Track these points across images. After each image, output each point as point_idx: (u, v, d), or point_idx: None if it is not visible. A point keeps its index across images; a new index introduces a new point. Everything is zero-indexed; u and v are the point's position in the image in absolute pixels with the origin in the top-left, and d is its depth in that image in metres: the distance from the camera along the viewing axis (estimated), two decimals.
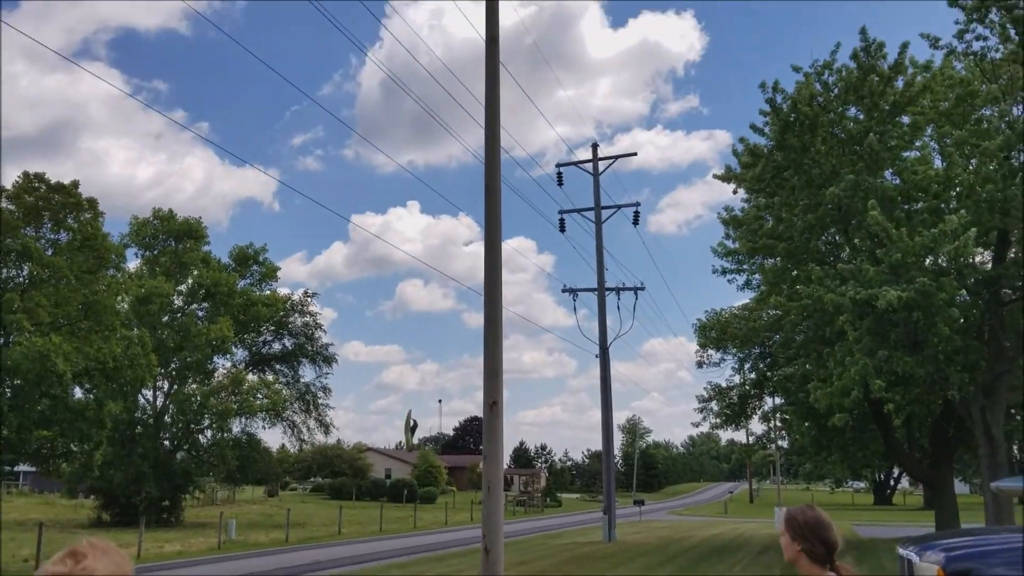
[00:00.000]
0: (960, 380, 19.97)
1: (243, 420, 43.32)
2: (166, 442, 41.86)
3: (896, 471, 71.14)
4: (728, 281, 30.06)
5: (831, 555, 3.46)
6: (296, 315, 51.89)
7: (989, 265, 22.33)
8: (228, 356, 46.21)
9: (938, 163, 21.77)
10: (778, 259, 24.68)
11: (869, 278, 19.14)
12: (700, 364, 32.52)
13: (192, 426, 41.51)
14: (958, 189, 20.30)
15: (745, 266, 28.43)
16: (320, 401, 54.43)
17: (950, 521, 25.22)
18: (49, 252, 21.93)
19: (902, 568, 9.26)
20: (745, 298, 39.54)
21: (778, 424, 37.90)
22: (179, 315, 42.53)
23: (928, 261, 19.76)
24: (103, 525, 37.10)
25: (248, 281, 48.17)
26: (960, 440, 27.00)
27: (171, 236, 43.36)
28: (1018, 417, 26.57)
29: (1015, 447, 27.96)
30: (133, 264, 41.90)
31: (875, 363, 19.93)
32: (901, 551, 9.38)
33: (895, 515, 52.89)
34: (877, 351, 20.05)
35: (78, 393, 22.94)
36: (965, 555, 8.58)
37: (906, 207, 20.80)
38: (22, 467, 36.55)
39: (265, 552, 25.96)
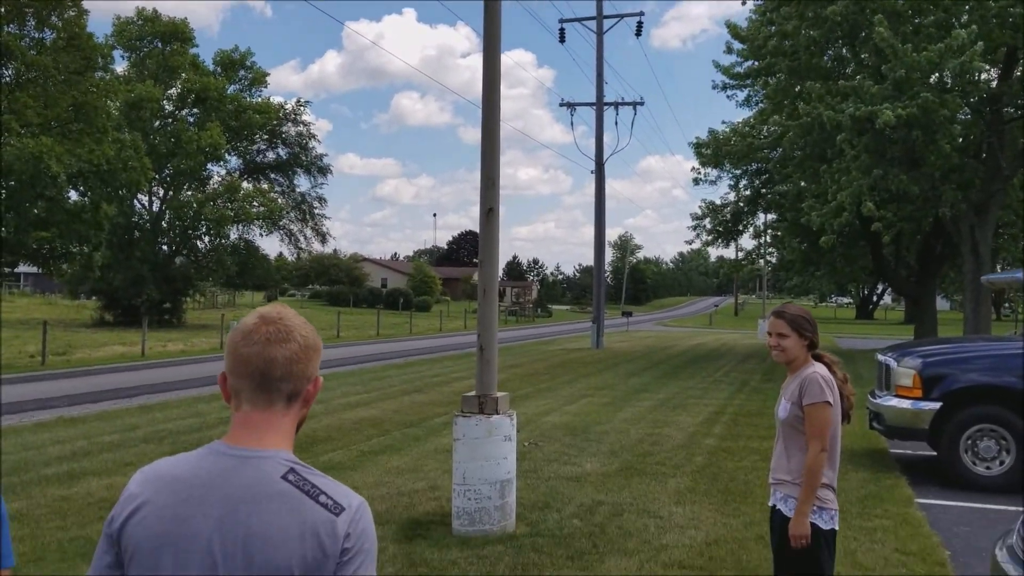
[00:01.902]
0: (954, 198, 20.08)
1: (240, 227, 43.67)
2: (164, 247, 42.35)
3: (880, 287, 72.73)
4: (728, 97, 29.52)
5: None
6: (289, 124, 51.10)
7: (995, 84, 21.89)
8: (222, 164, 45.95)
9: None
10: (781, 76, 24.13)
11: (871, 95, 18.82)
12: (696, 181, 32.40)
13: (190, 232, 41.83)
14: (969, 3, 19.59)
15: (748, 81, 27.83)
16: (316, 211, 54.60)
17: (929, 334, 26.10)
18: (33, 52, 21.20)
19: (880, 374, 9.69)
20: (745, 114, 38.91)
21: (768, 240, 38.37)
22: (170, 120, 41.85)
23: (933, 78, 19.34)
24: (106, 325, 38.17)
25: (237, 87, 47.04)
26: (946, 257, 27.51)
27: (156, 37, 41.87)
28: (1005, 236, 26.93)
29: (999, 265, 28.48)
30: (120, 67, 40.70)
31: (870, 181, 19.96)
32: (880, 357, 9.78)
33: (875, 328, 54.65)
34: (873, 169, 20.03)
35: (74, 196, 22.93)
36: (941, 361, 8.97)
37: (916, 21, 20.11)
38: (23, 268, 37.07)
39: None
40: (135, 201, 40.51)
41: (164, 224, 42.12)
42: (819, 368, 3.72)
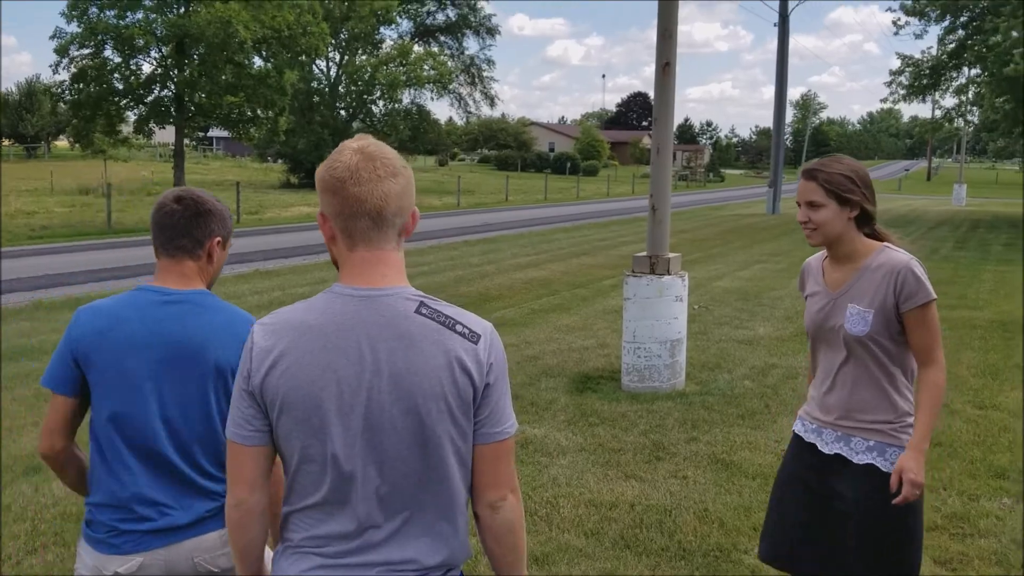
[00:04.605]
0: None
1: (412, 91, 44.39)
2: (342, 112, 43.78)
3: None
4: None
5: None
6: None
7: None
8: (393, 27, 46.40)
9: None
10: None
11: None
12: (897, 29, 29.57)
13: (365, 97, 42.94)
14: None
15: None
16: (485, 74, 54.71)
17: None
18: None
19: None
20: None
21: (970, 98, 35.05)
22: None
23: None
24: (291, 187, 40.35)
25: None
26: None
27: None
28: None
29: None
30: None
31: None
32: None
33: None
34: None
35: (258, 63, 23.93)
36: None
37: None
38: (215, 132, 39.50)
39: (440, 214, 27.71)
40: (314, 67, 41.82)
41: (341, 89, 43.38)
42: (897, 252, 2.58)
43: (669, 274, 6.80)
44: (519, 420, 5.96)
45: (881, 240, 2.63)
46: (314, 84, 42.36)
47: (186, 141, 26.02)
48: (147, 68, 22.29)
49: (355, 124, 43.75)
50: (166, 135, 28.40)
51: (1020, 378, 7.34)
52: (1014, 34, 23.42)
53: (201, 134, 31.00)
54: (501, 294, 11.72)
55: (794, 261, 15.76)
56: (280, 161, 46.16)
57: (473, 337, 1.56)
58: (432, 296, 1.59)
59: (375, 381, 1.52)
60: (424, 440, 1.54)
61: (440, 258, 15.76)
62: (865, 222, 2.59)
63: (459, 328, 1.56)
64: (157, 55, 22.08)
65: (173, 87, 22.25)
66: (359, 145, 1.59)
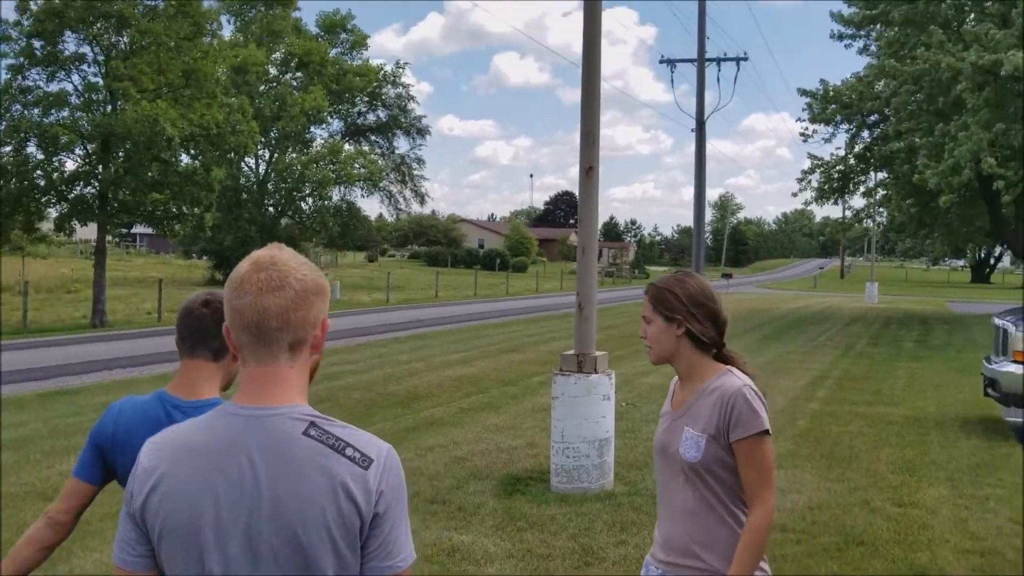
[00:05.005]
0: None
1: (342, 189, 44.64)
2: (270, 208, 43.68)
3: (998, 249, 69.16)
4: (845, 47, 28.42)
5: (721, 337, 2.48)
6: (389, 86, 51.81)
7: None
8: (324, 126, 46.95)
9: None
10: (896, 30, 23.03)
11: (995, 42, 17.81)
12: (805, 138, 31.09)
13: (294, 194, 42.99)
14: None
15: (861, 32, 26.74)
16: (415, 172, 55.47)
17: None
18: (147, 20, 21.98)
19: (996, 338, 9.26)
20: (862, 63, 37.20)
21: (877, 200, 36.89)
22: (274, 84, 42.90)
23: None
24: (217, 283, 39.72)
25: (339, 51, 47.89)
26: None
27: (260, 2, 42.80)
28: None
29: None
30: (227, 32, 41.86)
31: (991, 136, 18.95)
32: (997, 321, 9.35)
33: (991, 293, 52.12)
34: (995, 124, 19.01)
35: (185, 159, 23.79)
36: None
37: None
38: (139, 229, 38.91)
39: (369, 311, 27.58)
40: (243, 163, 41.84)
41: (270, 186, 43.40)
42: (736, 376, 2.41)
43: (596, 372, 6.87)
44: (447, 526, 5.83)
45: (729, 362, 2.47)
46: (242, 181, 42.29)
47: (108, 238, 25.52)
48: (71, 165, 21.98)
49: (284, 221, 43.65)
50: (88, 232, 27.77)
51: (937, 475, 7.54)
52: (916, 140, 24.85)
53: (124, 230, 30.41)
54: (430, 392, 11.63)
55: None
56: (205, 258, 45.56)
57: (363, 462, 1.46)
58: (327, 416, 1.51)
59: (255, 507, 1.44)
60: (306, 572, 1.44)
61: (369, 355, 15.62)
62: (699, 343, 2.45)
63: (349, 452, 1.46)
64: (82, 152, 21.83)
65: (97, 184, 21.93)
66: (258, 255, 1.54)
